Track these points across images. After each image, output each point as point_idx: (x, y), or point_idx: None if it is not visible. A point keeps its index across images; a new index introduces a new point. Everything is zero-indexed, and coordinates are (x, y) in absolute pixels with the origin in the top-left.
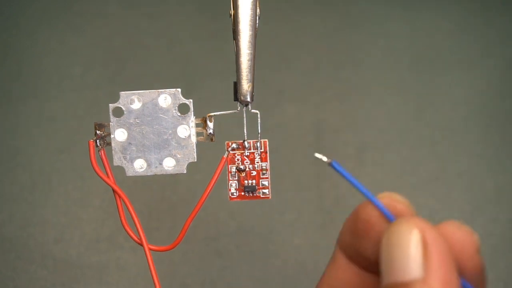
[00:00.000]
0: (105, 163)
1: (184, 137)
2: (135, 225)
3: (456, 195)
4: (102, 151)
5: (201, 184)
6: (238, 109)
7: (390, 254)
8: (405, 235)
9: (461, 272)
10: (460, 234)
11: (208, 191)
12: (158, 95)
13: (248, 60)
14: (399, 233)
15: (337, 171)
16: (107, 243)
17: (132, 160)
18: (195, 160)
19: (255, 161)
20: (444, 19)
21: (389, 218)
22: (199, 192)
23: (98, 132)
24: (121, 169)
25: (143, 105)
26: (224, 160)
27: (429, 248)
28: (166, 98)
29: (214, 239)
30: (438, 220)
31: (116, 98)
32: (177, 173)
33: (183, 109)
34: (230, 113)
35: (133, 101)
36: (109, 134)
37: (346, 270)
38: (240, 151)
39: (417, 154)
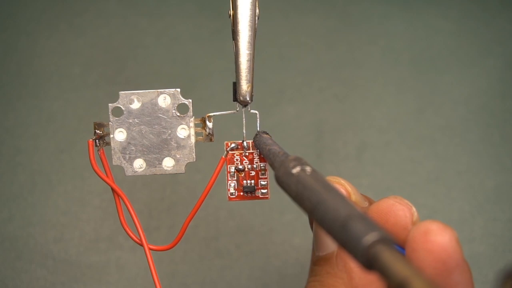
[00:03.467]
0: (104, 163)
1: (183, 137)
2: (135, 225)
3: (456, 194)
4: (101, 151)
5: (201, 184)
6: (237, 109)
7: (315, 231)
8: None
9: (399, 242)
10: (397, 207)
11: (207, 191)
12: (158, 95)
13: (248, 61)
14: None
15: None
16: (107, 243)
17: (131, 160)
18: (194, 160)
19: (254, 161)
20: (444, 19)
21: None
22: (198, 192)
23: (97, 131)
24: (120, 169)
25: (143, 105)
26: (223, 160)
27: None
28: (165, 98)
29: (213, 239)
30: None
31: (115, 98)
32: (176, 173)
33: (183, 109)
34: (229, 113)
35: (133, 101)
36: (109, 134)
37: None
38: (239, 151)
39: (417, 154)
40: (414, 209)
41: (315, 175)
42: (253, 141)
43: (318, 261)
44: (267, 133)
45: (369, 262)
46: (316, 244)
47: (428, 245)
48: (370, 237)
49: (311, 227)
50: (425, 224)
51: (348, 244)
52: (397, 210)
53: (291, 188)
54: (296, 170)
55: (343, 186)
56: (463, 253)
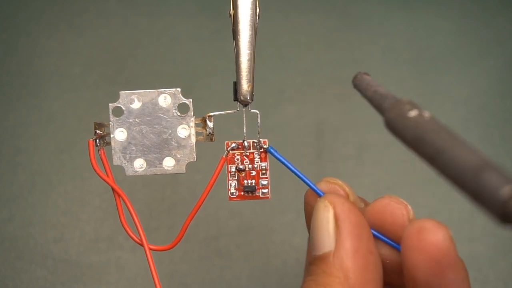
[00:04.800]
0: (105, 163)
1: (183, 137)
2: (135, 225)
3: (456, 195)
4: (102, 151)
5: (201, 183)
6: (238, 109)
7: (312, 230)
8: (321, 212)
9: (397, 241)
10: (393, 206)
11: (208, 191)
12: (158, 95)
13: (248, 60)
14: (317, 210)
15: (274, 156)
16: (107, 243)
17: (131, 160)
18: (195, 160)
19: (255, 161)
20: (444, 19)
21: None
22: (198, 191)
23: (97, 131)
24: (120, 169)
25: (143, 104)
26: (224, 160)
27: (339, 221)
28: (166, 98)
29: (214, 239)
30: (439, 220)
31: (116, 98)
32: (176, 173)
33: (183, 108)
34: (230, 113)
35: (133, 100)
36: (109, 134)
37: None
38: (240, 151)
39: None
40: (409, 207)
41: (436, 120)
42: (353, 82)
43: (314, 261)
44: (368, 74)
45: (507, 216)
46: (313, 243)
47: (421, 244)
48: (509, 189)
49: (308, 228)
50: (419, 222)
51: (480, 194)
52: (393, 209)
53: (408, 131)
54: (413, 113)
55: (341, 187)
56: (458, 251)
